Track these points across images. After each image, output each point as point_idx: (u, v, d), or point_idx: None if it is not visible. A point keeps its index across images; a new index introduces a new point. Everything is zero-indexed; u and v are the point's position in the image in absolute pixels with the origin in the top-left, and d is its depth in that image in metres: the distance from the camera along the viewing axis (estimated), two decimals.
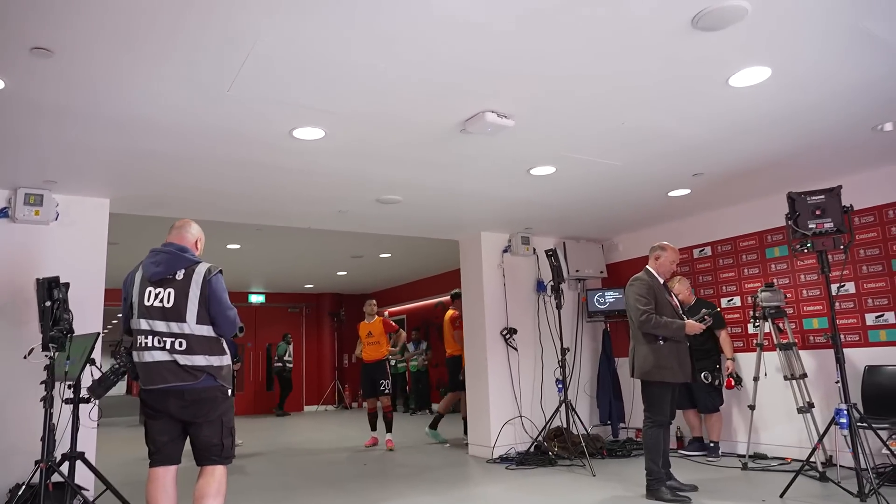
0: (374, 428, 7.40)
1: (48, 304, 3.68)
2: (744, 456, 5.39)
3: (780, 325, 5.27)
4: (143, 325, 2.95)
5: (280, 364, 12.72)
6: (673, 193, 5.57)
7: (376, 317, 7.66)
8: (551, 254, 6.29)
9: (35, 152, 3.93)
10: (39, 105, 3.27)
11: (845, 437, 4.08)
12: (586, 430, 6.27)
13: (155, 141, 3.85)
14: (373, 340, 7.47)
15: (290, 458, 6.88)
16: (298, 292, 13.65)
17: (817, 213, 4.11)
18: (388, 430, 7.22)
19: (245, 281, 11.76)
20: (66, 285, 3.82)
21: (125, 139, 3.79)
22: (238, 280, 11.44)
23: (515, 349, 6.70)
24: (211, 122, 3.61)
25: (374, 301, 7.90)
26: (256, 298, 13.26)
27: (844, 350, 4.25)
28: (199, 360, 2.94)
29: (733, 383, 5.71)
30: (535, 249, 6.96)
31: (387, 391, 7.29)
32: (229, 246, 8.04)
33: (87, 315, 4.42)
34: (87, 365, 3.88)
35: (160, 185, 4.73)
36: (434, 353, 11.89)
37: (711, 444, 5.91)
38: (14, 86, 3.05)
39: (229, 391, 3.07)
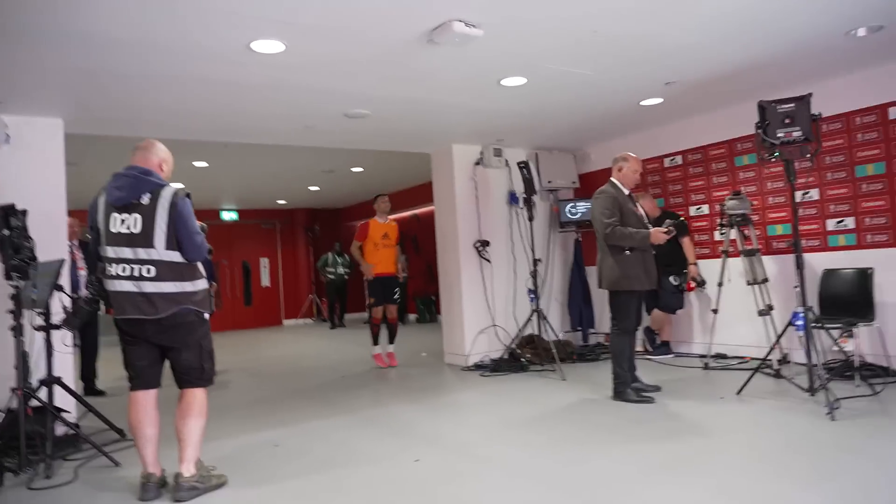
0: (376, 342, 6.76)
1: (6, 232, 3.57)
2: (705, 356, 5.66)
3: (746, 232, 5.37)
4: (110, 252, 2.91)
5: (326, 276, 12.38)
6: (645, 102, 5.50)
7: (390, 219, 6.85)
8: (523, 166, 6.24)
9: None
10: None
11: (800, 338, 4.28)
12: (557, 337, 6.46)
13: (106, 57, 3.64)
14: (389, 243, 6.66)
15: (269, 373, 7.05)
16: (271, 208, 13.51)
17: (787, 121, 4.08)
18: (391, 341, 6.80)
19: (216, 198, 11.55)
20: (24, 212, 3.71)
21: (74, 55, 3.58)
22: (208, 198, 11.23)
23: (489, 261, 6.78)
24: (164, 35, 3.41)
25: (388, 197, 6.91)
26: (229, 216, 13.05)
27: (805, 255, 4.39)
28: (169, 287, 2.90)
29: (693, 285, 5.95)
30: (507, 161, 6.89)
31: (398, 299, 6.83)
32: (196, 164, 7.79)
33: (50, 241, 4.26)
34: (55, 291, 3.84)
35: (116, 104, 4.52)
36: (410, 265, 12.01)
37: (659, 343, 6.30)
38: None
39: (206, 315, 3.07)
